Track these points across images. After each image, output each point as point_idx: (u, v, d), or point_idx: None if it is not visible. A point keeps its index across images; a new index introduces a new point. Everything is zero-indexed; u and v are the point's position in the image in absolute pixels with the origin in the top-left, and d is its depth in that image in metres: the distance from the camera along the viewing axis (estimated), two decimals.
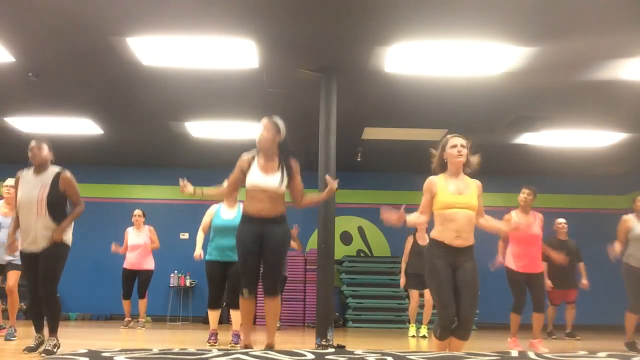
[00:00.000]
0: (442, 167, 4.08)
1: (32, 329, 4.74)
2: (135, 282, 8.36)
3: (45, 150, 4.66)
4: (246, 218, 4.48)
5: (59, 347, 4.57)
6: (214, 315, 5.85)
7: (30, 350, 4.53)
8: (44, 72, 6.61)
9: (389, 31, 5.52)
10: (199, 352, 3.82)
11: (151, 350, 3.99)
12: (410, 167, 10.76)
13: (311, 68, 6.41)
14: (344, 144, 7.16)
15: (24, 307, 9.67)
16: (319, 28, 5.58)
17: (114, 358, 3.50)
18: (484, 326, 9.66)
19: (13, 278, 6.04)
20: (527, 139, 8.80)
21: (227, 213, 5.80)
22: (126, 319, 8.36)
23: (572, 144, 8.93)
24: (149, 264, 8.39)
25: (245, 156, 4.55)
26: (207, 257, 5.82)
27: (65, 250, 4.62)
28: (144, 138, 9.34)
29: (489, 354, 4.36)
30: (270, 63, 6.27)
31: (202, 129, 8.56)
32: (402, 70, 6.35)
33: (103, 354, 3.58)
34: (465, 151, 3.99)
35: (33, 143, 4.63)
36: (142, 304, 8.38)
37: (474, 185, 4.02)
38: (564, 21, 5.29)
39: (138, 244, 8.32)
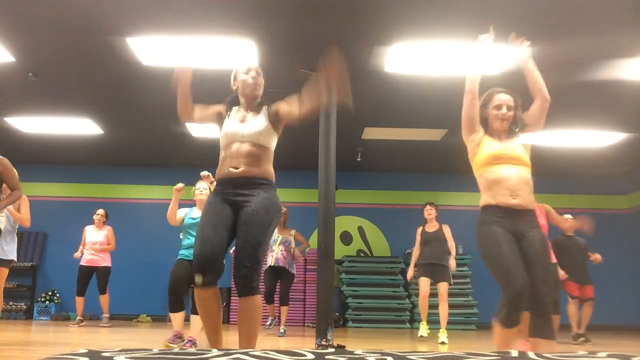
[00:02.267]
0: (482, 125, 3.38)
1: None
2: (93, 279, 8.31)
3: None
4: (217, 184, 3.24)
5: None
6: (177, 317, 5.20)
7: None
8: (44, 72, 6.61)
9: (389, 31, 5.52)
10: (199, 352, 3.81)
11: (151, 350, 3.98)
12: (410, 167, 10.80)
13: (311, 68, 6.41)
14: (344, 144, 7.15)
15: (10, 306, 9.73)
16: (319, 28, 5.58)
17: (114, 358, 3.50)
18: (484, 326, 9.65)
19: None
20: (527, 139, 8.79)
21: (197, 213, 5.48)
22: (78, 317, 8.37)
23: (572, 144, 8.93)
24: (106, 261, 8.37)
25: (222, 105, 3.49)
26: (178, 257, 5.43)
27: None
28: (144, 138, 9.34)
29: (489, 353, 4.35)
30: (270, 63, 6.27)
31: (202, 129, 8.56)
32: (402, 70, 6.35)
33: (103, 354, 3.57)
34: (510, 115, 3.28)
35: None
36: (104, 299, 8.37)
37: (520, 141, 3.33)
38: (564, 21, 5.29)
39: (95, 241, 8.35)
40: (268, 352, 4.08)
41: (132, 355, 3.64)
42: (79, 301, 8.27)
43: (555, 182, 10.82)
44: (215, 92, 7.14)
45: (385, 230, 11.05)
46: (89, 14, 5.28)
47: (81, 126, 8.58)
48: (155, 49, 5.93)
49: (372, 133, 8.68)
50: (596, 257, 7.31)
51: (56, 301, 10.38)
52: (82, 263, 8.30)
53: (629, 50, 5.78)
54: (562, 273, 6.47)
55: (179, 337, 5.17)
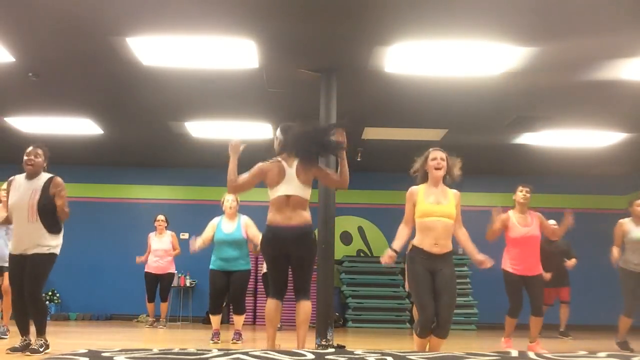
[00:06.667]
0: (423, 178, 4.39)
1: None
2: (158, 285, 8.66)
3: (41, 157, 4.66)
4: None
5: (47, 348, 4.58)
6: (216, 319, 6.26)
7: (14, 350, 4.51)
8: (44, 72, 6.61)
9: (389, 31, 5.52)
10: (199, 352, 3.81)
11: (151, 350, 3.98)
12: (410, 167, 10.74)
13: (311, 68, 6.41)
14: None
15: None
16: (319, 28, 5.58)
17: (114, 358, 3.50)
18: (484, 326, 9.65)
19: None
20: (527, 139, 8.80)
21: (227, 227, 6.12)
22: (150, 319, 8.79)
23: (572, 144, 8.93)
24: (171, 268, 8.67)
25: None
26: (211, 267, 6.17)
27: (53, 256, 4.63)
28: (144, 138, 9.34)
29: (489, 353, 4.36)
30: (270, 63, 6.26)
31: (202, 129, 8.56)
32: (402, 70, 6.35)
33: (103, 354, 3.57)
34: (444, 164, 4.28)
35: (30, 148, 4.65)
36: (164, 306, 8.72)
37: (452, 195, 4.31)
38: (564, 21, 5.29)
39: (160, 248, 8.56)
40: (268, 352, 4.07)
41: (132, 355, 3.64)
42: (150, 307, 8.67)
43: (555, 182, 10.81)
44: (216, 92, 7.17)
45: (385, 230, 11.03)
46: (89, 14, 5.28)
47: (81, 126, 8.58)
48: (155, 49, 5.93)
49: (372, 133, 8.68)
50: (569, 263, 7.71)
51: (56, 301, 10.38)
52: (148, 270, 8.57)
53: (629, 50, 5.77)
54: (546, 276, 6.44)
55: (217, 334, 6.14)
